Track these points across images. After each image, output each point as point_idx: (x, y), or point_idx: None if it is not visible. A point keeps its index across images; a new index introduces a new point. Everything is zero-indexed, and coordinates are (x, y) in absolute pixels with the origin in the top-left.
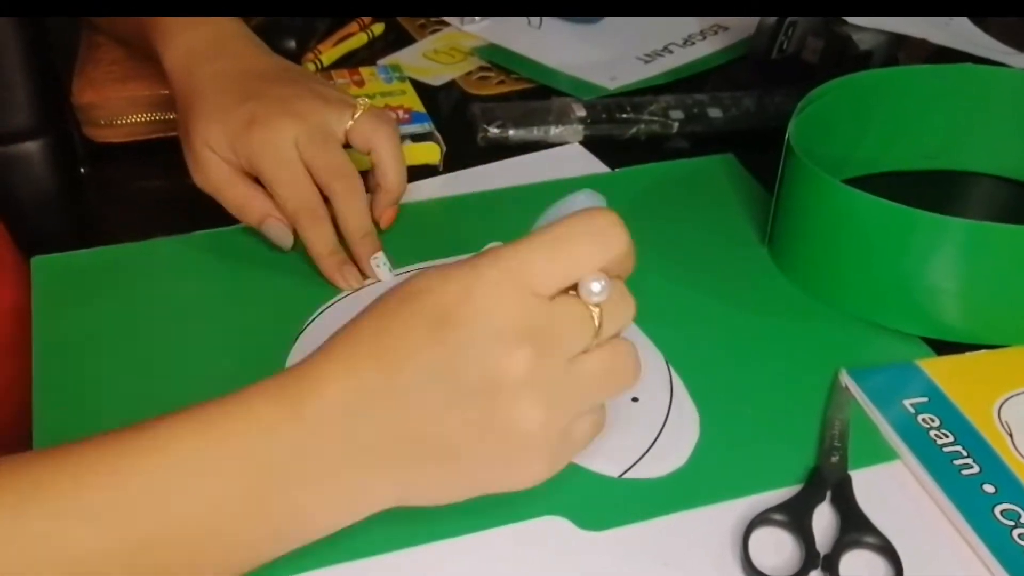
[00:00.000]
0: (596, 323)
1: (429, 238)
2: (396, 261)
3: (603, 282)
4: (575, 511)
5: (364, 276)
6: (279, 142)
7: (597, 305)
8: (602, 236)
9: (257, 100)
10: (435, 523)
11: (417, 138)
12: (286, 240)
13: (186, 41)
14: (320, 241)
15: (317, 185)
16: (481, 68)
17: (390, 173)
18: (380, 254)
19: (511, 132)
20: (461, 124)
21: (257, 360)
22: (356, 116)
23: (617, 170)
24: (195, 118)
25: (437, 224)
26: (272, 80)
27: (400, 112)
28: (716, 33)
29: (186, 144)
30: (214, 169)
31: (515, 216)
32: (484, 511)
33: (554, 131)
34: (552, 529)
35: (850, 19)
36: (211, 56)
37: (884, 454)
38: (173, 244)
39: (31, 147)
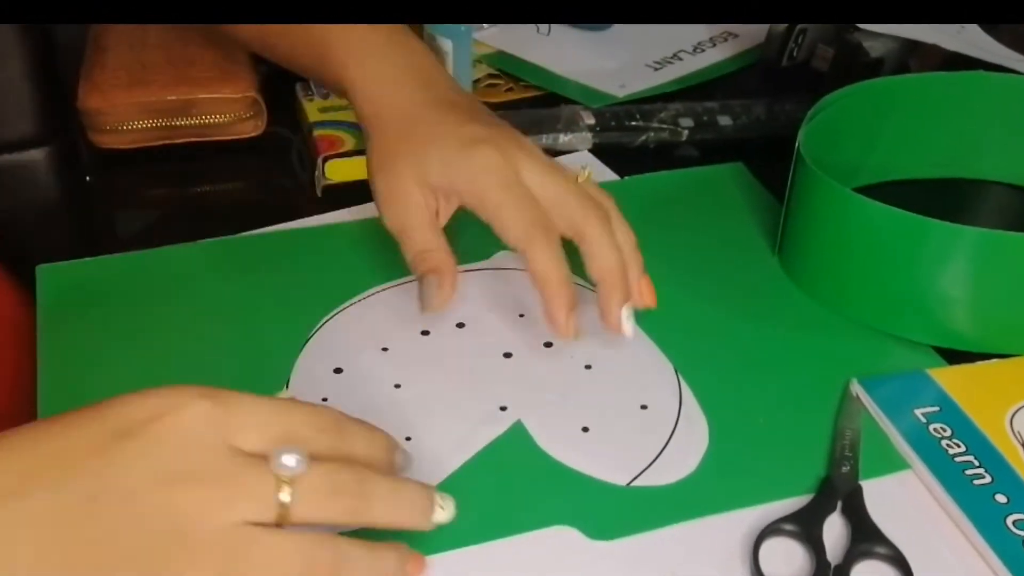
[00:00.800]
0: (281, 498)
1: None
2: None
3: (297, 457)
4: (583, 520)
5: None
6: (505, 165)
7: (288, 481)
8: (319, 419)
9: (480, 124)
10: (442, 534)
11: None
12: (440, 297)
13: (379, 64)
14: (555, 262)
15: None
16: (489, 75)
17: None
18: (628, 307)
19: None
20: None
21: (265, 368)
22: (581, 179)
23: (626, 178)
24: (404, 145)
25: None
26: (485, 113)
27: None
28: (726, 40)
29: (383, 174)
30: (412, 207)
31: None
32: (491, 521)
33: (563, 139)
34: (560, 539)
35: (861, 26)
36: (413, 85)
37: (895, 464)
38: (179, 252)
39: (36, 155)
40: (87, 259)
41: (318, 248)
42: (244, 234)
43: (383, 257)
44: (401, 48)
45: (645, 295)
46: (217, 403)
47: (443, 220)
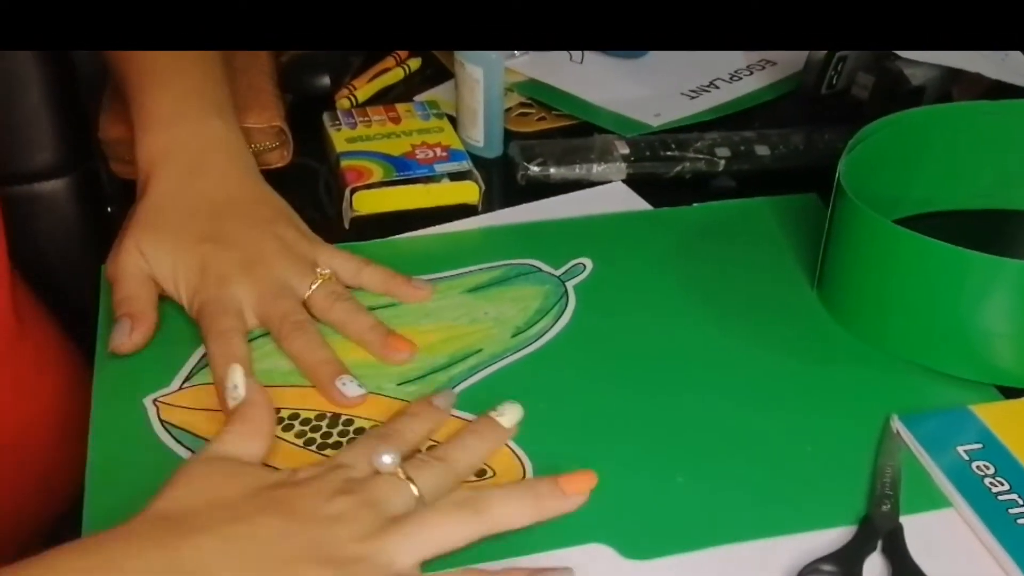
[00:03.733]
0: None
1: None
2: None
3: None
4: (618, 539)
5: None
6: (228, 301)
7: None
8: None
9: (215, 243)
10: (474, 549)
11: (455, 177)
12: (131, 340)
13: (165, 139)
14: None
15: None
16: (521, 104)
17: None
18: (344, 375)
19: (552, 170)
20: (500, 162)
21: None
22: (314, 287)
23: (663, 209)
24: (145, 222)
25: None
26: (240, 216)
27: (438, 150)
28: (764, 68)
29: (121, 236)
30: (127, 266)
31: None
32: (524, 538)
33: (596, 169)
34: (594, 557)
35: (902, 54)
36: (188, 167)
37: (937, 502)
38: None
39: (56, 185)
40: None
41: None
42: None
43: None
44: (190, 122)
45: (398, 355)
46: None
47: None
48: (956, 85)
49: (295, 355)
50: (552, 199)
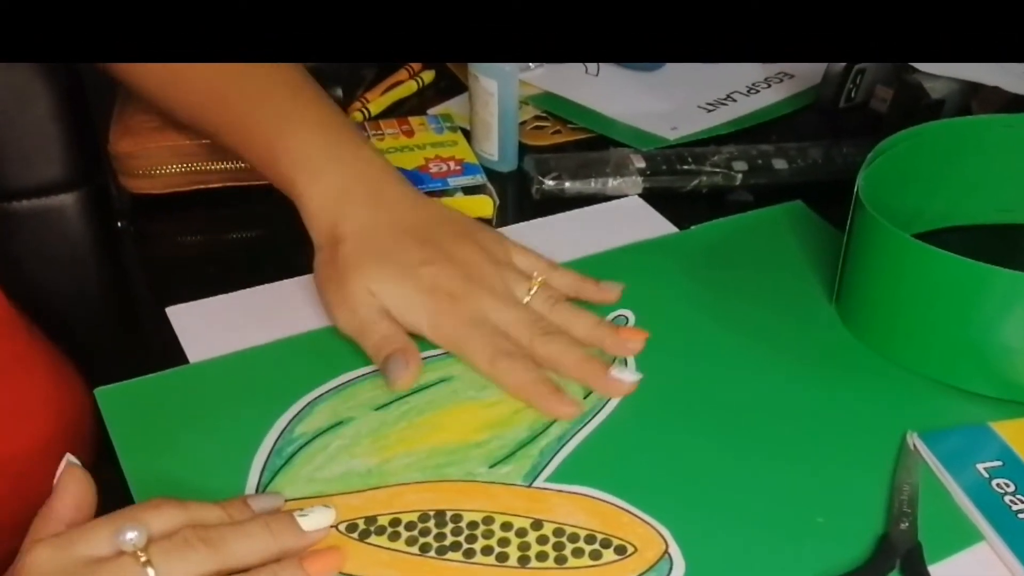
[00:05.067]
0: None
1: None
2: None
3: (136, 532)
4: None
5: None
6: (478, 318)
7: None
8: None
9: (433, 264)
10: None
11: (469, 191)
12: (408, 374)
13: (336, 178)
14: (516, 374)
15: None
16: (536, 117)
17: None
18: (614, 367)
19: (567, 184)
20: (515, 176)
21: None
22: (532, 292)
23: (682, 231)
24: (361, 262)
25: None
26: (440, 235)
27: (452, 164)
28: (781, 81)
29: (333, 284)
30: (364, 306)
31: None
32: None
33: (612, 183)
34: None
35: (921, 67)
36: (369, 201)
37: (956, 521)
38: (241, 360)
39: (65, 199)
40: (147, 377)
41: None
42: (308, 332)
43: None
44: (348, 156)
45: (631, 344)
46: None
47: None
48: (975, 98)
49: (552, 359)
50: (567, 213)
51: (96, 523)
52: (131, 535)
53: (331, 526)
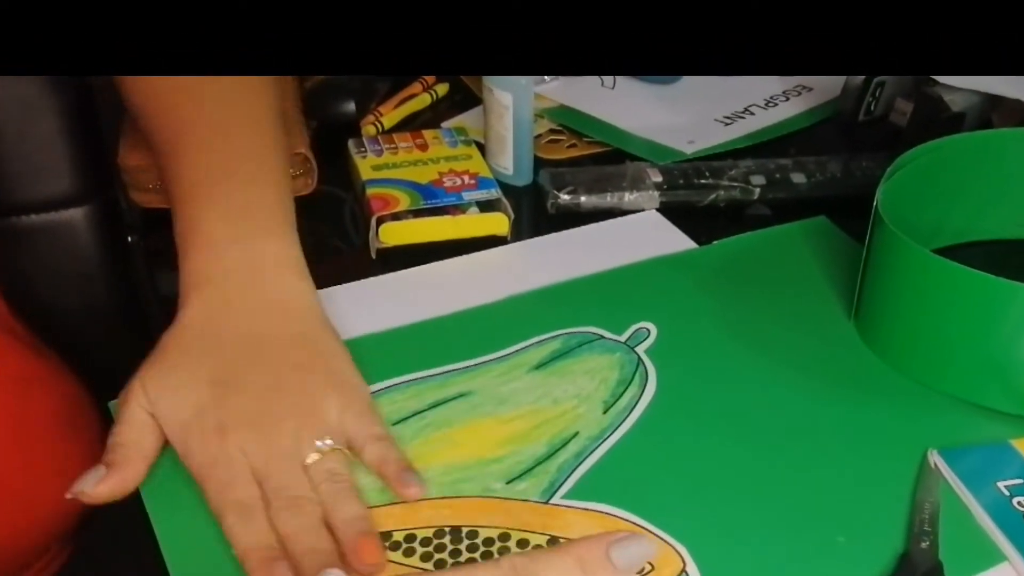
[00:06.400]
0: None
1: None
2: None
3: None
4: None
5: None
6: (235, 463)
7: None
8: None
9: (224, 387)
10: None
11: (484, 206)
12: (87, 487)
13: (212, 262)
14: (245, 536)
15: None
16: (551, 131)
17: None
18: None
19: (583, 199)
20: (530, 190)
21: None
22: (312, 459)
23: (704, 246)
24: (159, 359)
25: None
26: (265, 359)
27: (466, 178)
28: (800, 94)
29: (141, 370)
30: (134, 409)
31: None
32: None
33: (628, 198)
34: None
35: (941, 79)
36: (226, 298)
37: (978, 540)
38: None
39: (75, 214)
40: None
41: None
42: None
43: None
44: (242, 251)
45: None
46: None
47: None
48: (996, 112)
49: (285, 535)
50: (582, 228)
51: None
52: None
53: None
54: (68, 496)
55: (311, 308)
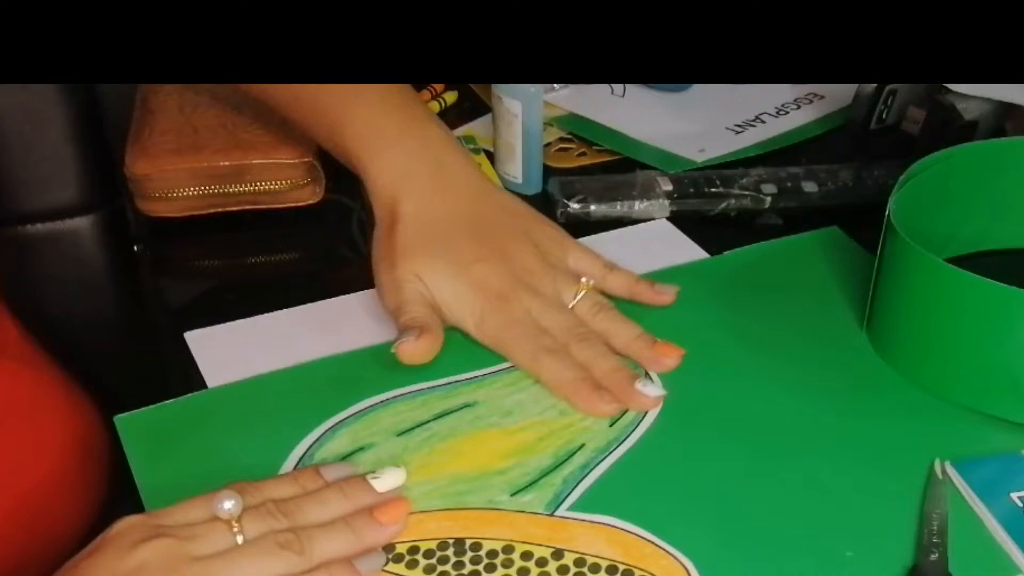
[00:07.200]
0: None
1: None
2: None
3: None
4: None
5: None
6: (524, 319)
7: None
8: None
9: (485, 261)
10: None
11: None
12: (412, 345)
13: (399, 156)
14: (559, 372)
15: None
16: (561, 139)
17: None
18: (641, 379)
19: (593, 207)
20: (539, 199)
21: None
22: (579, 296)
23: (715, 256)
24: (415, 248)
25: None
26: (497, 230)
27: None
28: (811, 102)
29: (386, 266)
30: (409, 291)
31: None
32: None
33: (639, 206)
34: None
35: (954, 87)
36: (432, 185)
37: (989, 552)
38: (260, 385)
39: (81, 223)
40: (166, 403)
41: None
42: (325, 358)
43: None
44: (414, 133)
45: (667, 360)
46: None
47: None
48: (1010, 120)
49: (585, 364)
50: (592, 237)
51: (190, 500)
52: (228, 504)
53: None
54: (393, 350)
55: (487, 180)
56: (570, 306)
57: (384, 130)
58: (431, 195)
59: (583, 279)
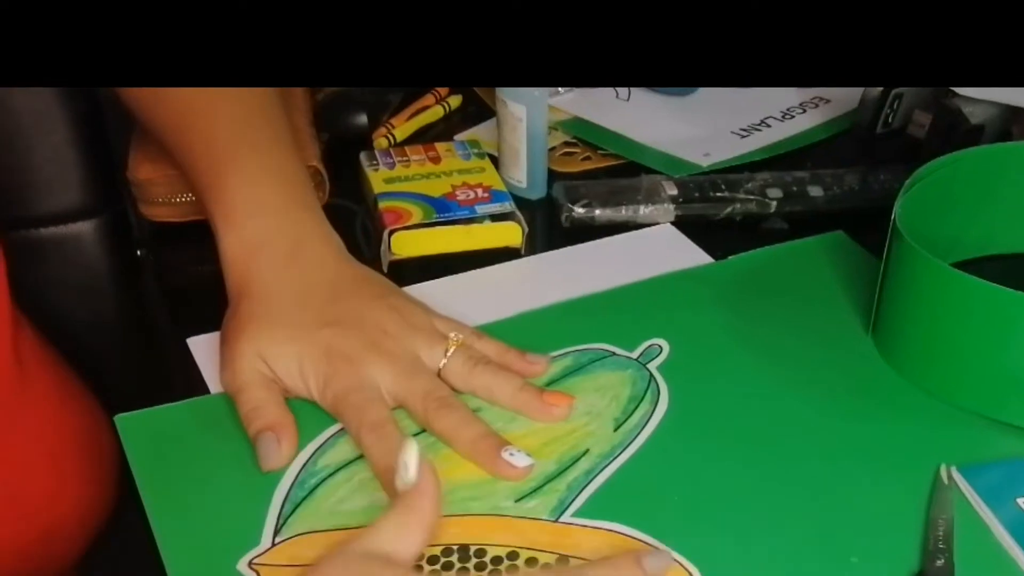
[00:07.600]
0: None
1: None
2: None
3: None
4: None
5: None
6: (367, 387)
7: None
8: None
9: (335, 326)
10: None
11: (497, 218)
12: (279, 454)
13: (257, 231)
14: (378, 446)
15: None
16: (565, 143)
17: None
18: (510, 446)
19: (597, 212)
20: (544, 203)
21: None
22: (449, 353)
23: (720, 260)
24: (258, 321)
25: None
26: (352, 295)
27: (479, 191)
28: (817, 106)
29: (228, 345)
30: (248, 375)
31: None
32: None
33: (643, 211)
34: None
35: (960, 91)
36: (285, 256)
37: (995, 558)
38: None
39: (83, 227)
40: (168, 406)
41: None
42: None
43: None
44: (282, 213)
45: (556, 410)
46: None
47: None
48: (1016, 124)
49: (447, 434)
50: (597, 241)
51: None
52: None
53: None
54: (263, 470)
55: (352, 257)
56: (440, 365)
57: (249, 203)
58: (283, 268)
59: (452, 334)
